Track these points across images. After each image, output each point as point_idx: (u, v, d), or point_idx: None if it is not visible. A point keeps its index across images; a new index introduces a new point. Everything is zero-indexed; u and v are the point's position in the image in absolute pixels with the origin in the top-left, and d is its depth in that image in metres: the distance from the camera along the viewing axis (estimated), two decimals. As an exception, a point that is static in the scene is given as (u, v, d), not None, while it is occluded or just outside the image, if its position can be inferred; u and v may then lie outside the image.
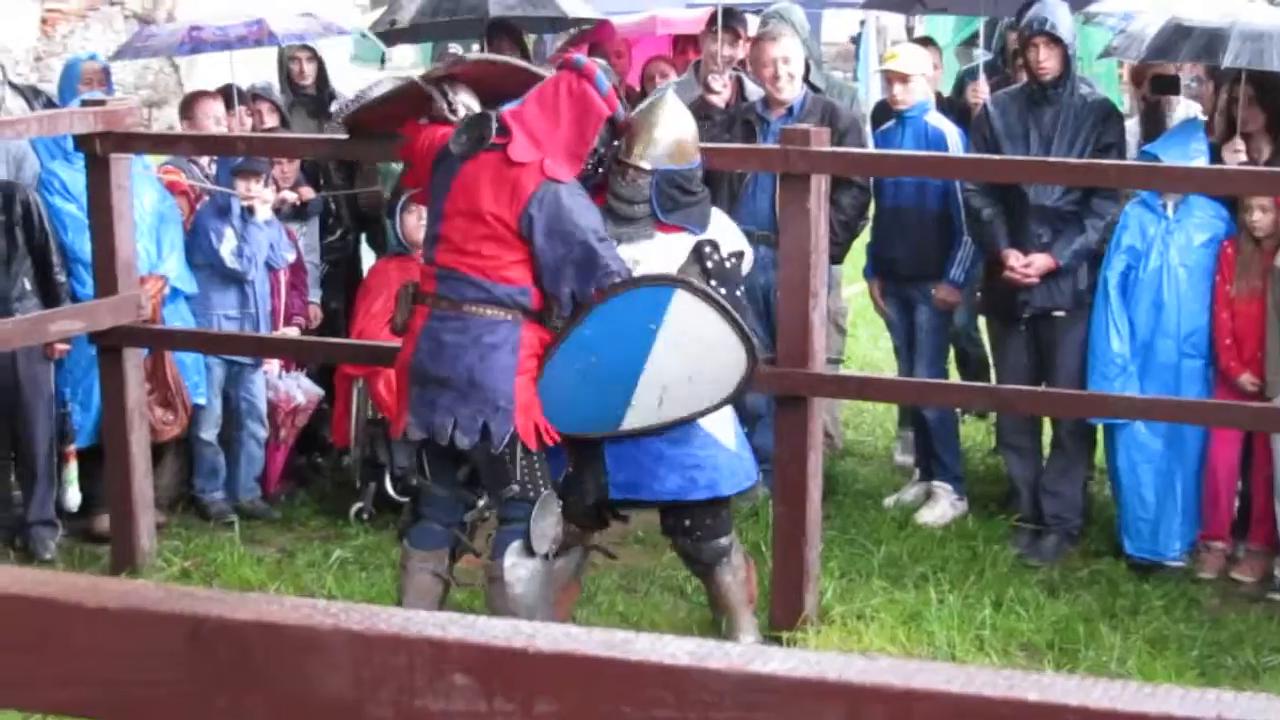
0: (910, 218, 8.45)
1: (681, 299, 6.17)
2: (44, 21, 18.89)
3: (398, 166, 8.37)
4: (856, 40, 21.58)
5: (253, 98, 9.32)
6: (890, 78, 8.57)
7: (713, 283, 6.26)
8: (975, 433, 9.79)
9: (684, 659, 1.38)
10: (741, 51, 9.36)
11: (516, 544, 6.19)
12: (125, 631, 1.49)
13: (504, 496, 6.24)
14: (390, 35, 11.26)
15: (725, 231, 6.54)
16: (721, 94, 8.79)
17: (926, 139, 8.38)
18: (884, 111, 8.99)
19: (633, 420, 6.31)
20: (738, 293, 6.39)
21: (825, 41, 20.49)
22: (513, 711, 1.40)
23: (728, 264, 6.36)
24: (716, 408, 6.38)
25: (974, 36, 11.30)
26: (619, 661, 1.39)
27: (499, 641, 1.41)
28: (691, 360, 6.20)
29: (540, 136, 6.18)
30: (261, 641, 1.46)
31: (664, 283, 6.21)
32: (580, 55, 6.65)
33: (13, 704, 1.57)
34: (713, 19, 9.34)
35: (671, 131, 6.40)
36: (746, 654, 1.40)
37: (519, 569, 6.19)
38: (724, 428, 6.55)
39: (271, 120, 9.21)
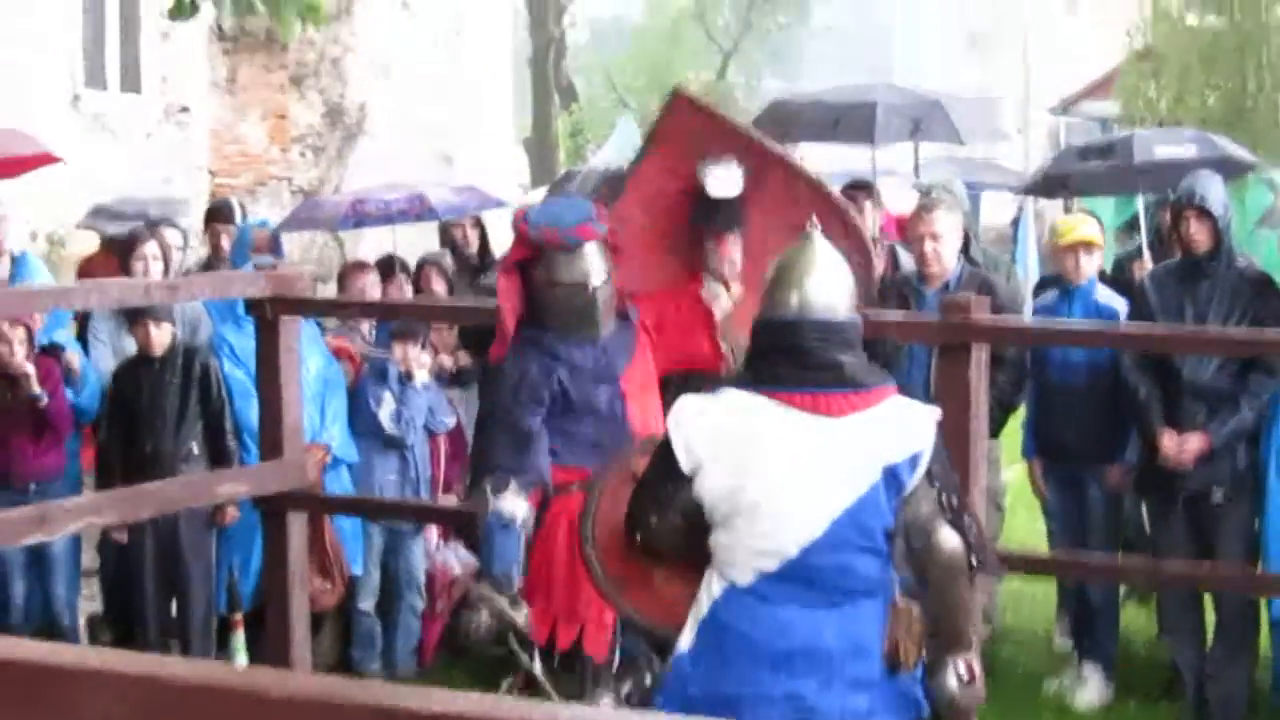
0: (1080, 397, 8.38)
1: None
2: (213, 196, 19.44)
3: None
4: (1015, 224, 21.63)
5: (420, 265, 9.52)
6: (1075, 248, 8.53)
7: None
8: (1136, 618, 9.64)
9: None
10: (874, 221, 9.42)
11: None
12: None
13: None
14: None
15: None
16: (876, 266, 8.83)
17: (1098, 313, 8.35)
18: (1046, 287, 8.98)
19: None
20: None
21: (984, 225, 20.55)
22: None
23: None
24: None
25: (1135, 219, 11.31)
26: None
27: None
28: None
29: None
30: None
31: None
32: None
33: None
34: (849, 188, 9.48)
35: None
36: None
37: None
38: None
39: (439, 288, 9.40)
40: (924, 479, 4.90)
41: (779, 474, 4.82)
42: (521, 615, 5.83)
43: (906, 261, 8.85)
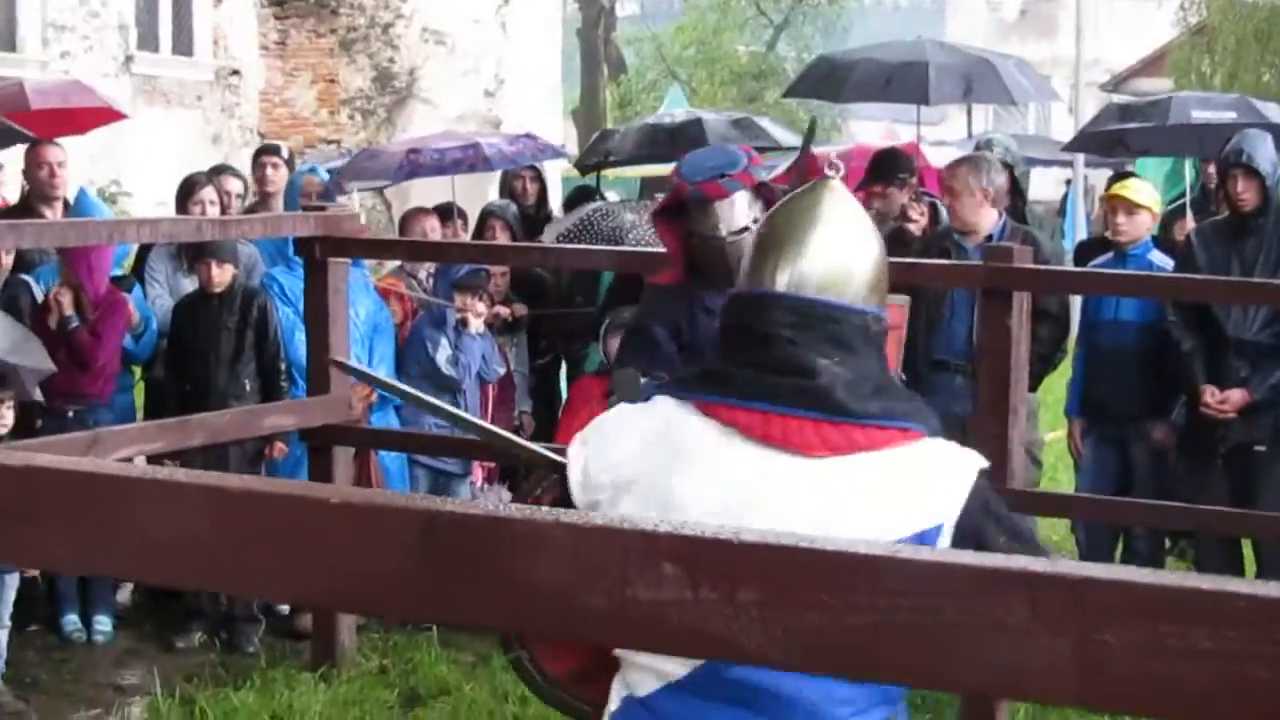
0: (1129, 359, 8.42)
1: None
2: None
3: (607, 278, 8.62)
4: (1064, 199, 21.63)
5: (485, 216, 9.60)
6: (1115, 206, 8.57)
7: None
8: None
9: (878, 551, 1.49)
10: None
11: None
12: (365, 526, 1.62)
13: None
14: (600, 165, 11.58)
15: None
16: (919, 221, 8.87)
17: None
18: (1090, 250, 9.00)
19: None
20: None
21: (1032, 199, 20.57)
22: (717, 599, 1.51)
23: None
24: None
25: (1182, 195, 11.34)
26: (817, 552, 1.50)
27: (705, 535, 1.53)
28: None
29: None
30: (490, 534, 1.58)
31: None
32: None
33: (261, 594, 1.71)
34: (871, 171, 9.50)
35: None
36: (935, 551, 1.50)
37: None
38: None
39: (503, 237, 9.49)
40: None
41: None
42: None
43: (945, 218, 8.88)
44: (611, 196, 12.42)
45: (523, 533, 1.57)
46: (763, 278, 3.22)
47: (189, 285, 8.55)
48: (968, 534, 3.08)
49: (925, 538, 3.04)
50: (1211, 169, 9.70)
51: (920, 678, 1.54)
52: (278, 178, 9.76)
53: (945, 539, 3.07)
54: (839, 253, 3.23)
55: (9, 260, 8.32)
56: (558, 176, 18.98)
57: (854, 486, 3.06)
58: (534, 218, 10.29)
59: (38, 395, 7.27)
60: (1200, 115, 10.46)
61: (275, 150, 10.36)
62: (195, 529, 1.66)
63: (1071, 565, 1.45)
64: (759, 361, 3.14)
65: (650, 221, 6.65)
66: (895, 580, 1.47)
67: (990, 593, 1.45)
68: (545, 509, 1.60)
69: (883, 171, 9.59)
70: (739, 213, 5.98)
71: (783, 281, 3.19)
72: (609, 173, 15.83)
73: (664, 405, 3.22)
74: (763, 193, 6.13)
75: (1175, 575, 1.43)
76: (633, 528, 1.55)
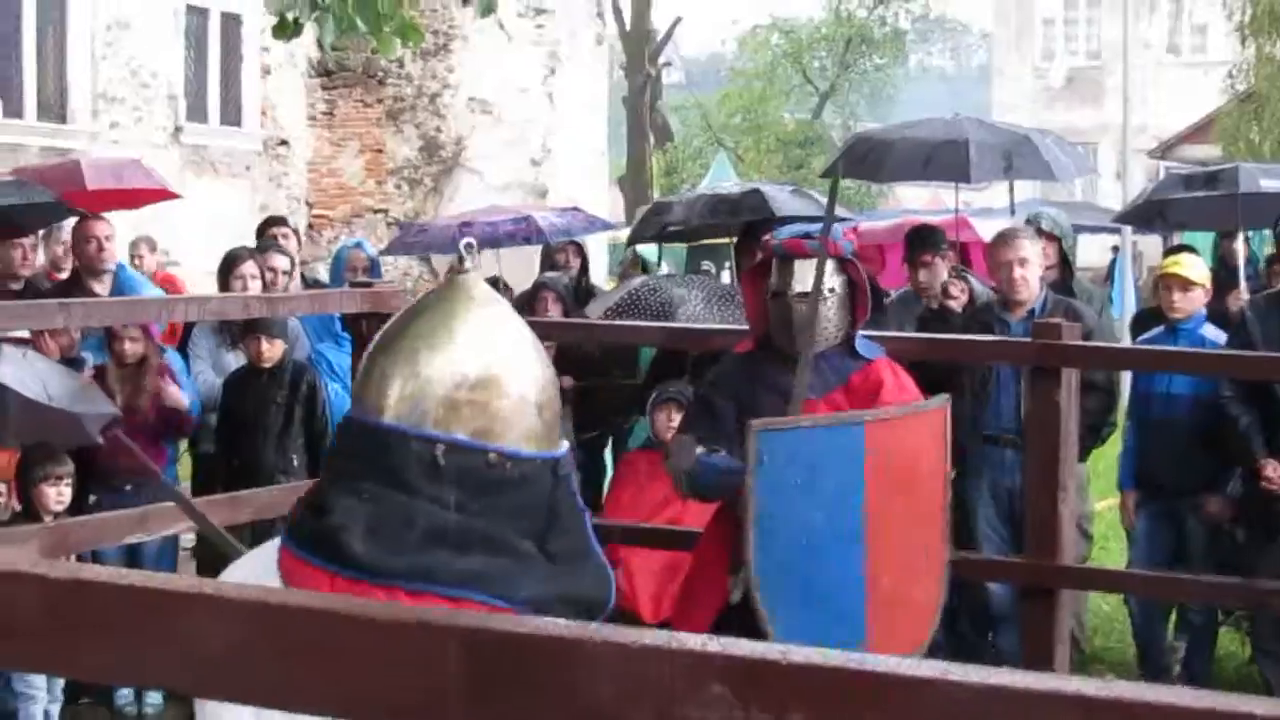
0: (1182, 432, 8.36)
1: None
2: (310, 227, 19.72)
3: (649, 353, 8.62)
4: (1112, 264, 21.60)
5: (536, 288, 9.61)
6: (1170, 284, 8.54)
7: None
8: (1230, 643, 9.60)
9: (927, 672, 1.46)
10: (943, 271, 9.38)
11: None
12: (406, 641, 1.61)
13: None
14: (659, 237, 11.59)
15: None
16: (959, 299, 8.85)
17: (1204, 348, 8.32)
18: (1145, 322, 8.97)
19: None
20: None
21: (1079, 266, 20.56)
22: (766, 720, 1.49)
23: None
24: None
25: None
26: (867, 673, 1.48)
27: (755, 654, 1.51)
28: None
29: None
30: (535, 651, 1.56)
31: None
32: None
33: (303, 708, 1.70)
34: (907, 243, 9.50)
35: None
36: (986, 671, 1.48)
37: None
38: None
39: (555, 310, 9.48)
40: None
41: None
42: None
43: (980, 293, 8.85)
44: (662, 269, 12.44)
45: (569, 649, 1.56)
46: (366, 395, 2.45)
47: (233, 360, 8.59)
48: None
49: None
50: (1237, 245, 9.68)
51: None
52: (289, 248, 9.85)
53: None
54: (426, 370, 2.40)
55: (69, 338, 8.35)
56: (602, 246, 19.04)
57: None
58: (577, 289, 10.31)
59: (99, 440, 7.29)
60: (1270, 184, 10.42)
61: (281, 221, 10.42)
62: (239, 642, 1.65)
63: (1126, 688, 1.43)
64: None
65: (725, 287, 6.69)
66: (947, 701, 1.45)
67: (1044, 714, 1.43)
68: (594, 625, 1.58)
69: (925, 243, 9.59)
70: (815, 275, 6.01)
71: (373, 404, 2.42)
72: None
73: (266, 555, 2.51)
74: (847, 268, 6.14)
75: (1231, 699, 1.41)
76: (681, 646, 1.53)
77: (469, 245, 2.53)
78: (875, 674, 1.48)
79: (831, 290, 6.09)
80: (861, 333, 6.26)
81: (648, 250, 12.17)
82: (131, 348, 8.03)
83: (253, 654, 1.66)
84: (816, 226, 6.36)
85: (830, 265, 6.08)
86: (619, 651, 1.55)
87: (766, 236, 6.25)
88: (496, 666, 1.57)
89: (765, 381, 6.15)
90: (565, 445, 2.51)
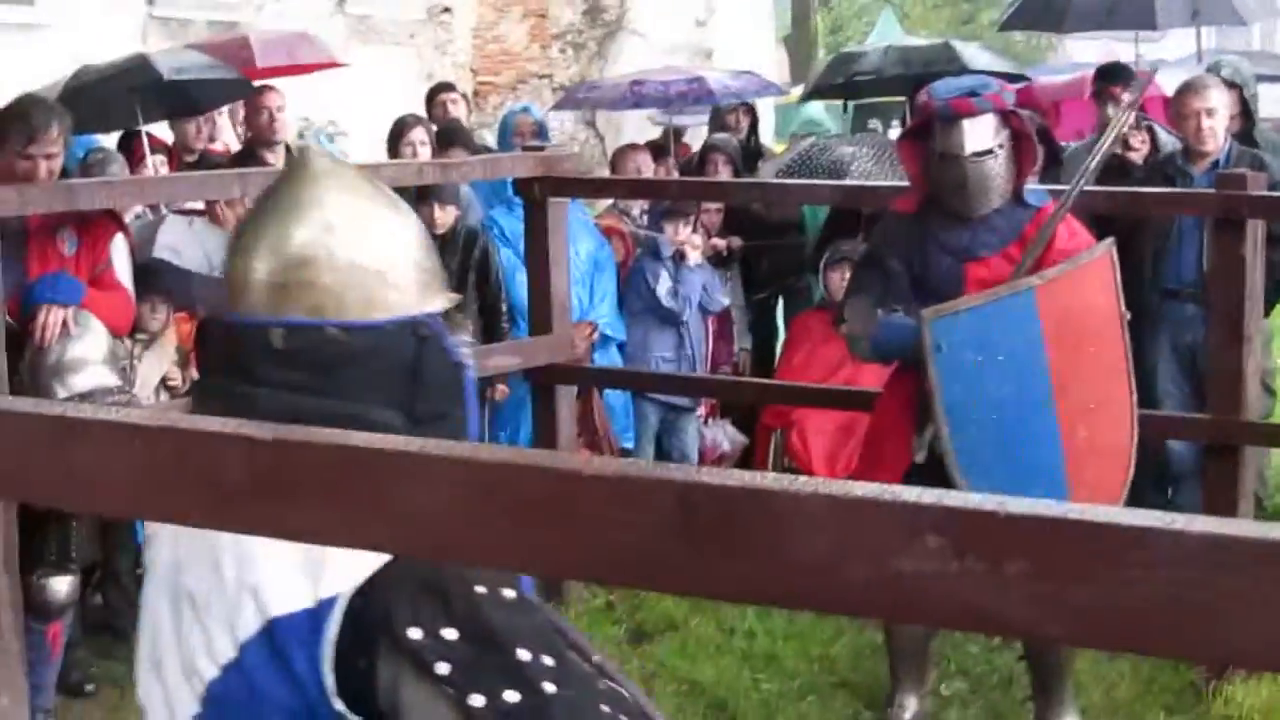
0: None
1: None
2: (475, 94, 19.71)
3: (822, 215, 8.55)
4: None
5: (706, 150, 9.60)
6: None
7: None
8: None
9: (1152, 521, 1.43)
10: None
11: None
12: (618, 497, 1.60)
13: None
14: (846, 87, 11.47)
15: None
16: (1140, 150, 8.66)
17: None
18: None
19: None
20: None
21: (1263, 116, 20.04)
22: (983, 571, 1.47)
23: None
24: None
25: None
26: (1087, 523, 1.45)
27: (971, 505, 1.48)
28: None
29: None
30: (747, 505, 1.55)
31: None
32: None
33: (515, 567, 1.70)
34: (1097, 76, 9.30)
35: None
36: (1212, 521, 1.45)
37: None
38: None
39: (725, 172, 9.46)
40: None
41: None
42: None
43: (1165, 143, 8.66)
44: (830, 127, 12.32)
45: (781, 504, 1.54)
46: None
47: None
48: (368, 622, 2.26)
49: (319, 614, 2.27)
50: None
51: (1198, 651, 1.48)
52: (457, 114, 9.86)
53: (334, 623, 2.26)
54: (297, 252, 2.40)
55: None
56: (770, 107, 18.89)
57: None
58: (747, 151, 10.25)
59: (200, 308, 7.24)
60: None
61: (451, 87, 10.45)
62: (448, 501, 1.66)
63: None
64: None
65: (893, 144, 6.60)
66: (1171, 551, 1.42)
67: (1272, 564, 1.39)
68: (804, 479, 1.57)
69: (1115, 76, 9.39)
70: (984, 134, 5.92)
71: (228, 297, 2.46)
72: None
73: None
74: (1011, 121, 6.04)
75: None
76: (895, 499, 1.51)
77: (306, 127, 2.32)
78: (1095, 524, 1.45)
79: (1001, 146, 5.99)
80: (1029, 186, 6.16)
81: (813, 110, 12.03)
82: None
83: (463, 514, 1.66)
84: (974, 81, 6.25)
85: (995, 120, 5.98)
86: (830, 504, 1.53)
87: (925, 98, 6.11)
88: (707, 522, 1.57)
89: (936, 241, 6.09)
90: (437, 301, 2.47)
